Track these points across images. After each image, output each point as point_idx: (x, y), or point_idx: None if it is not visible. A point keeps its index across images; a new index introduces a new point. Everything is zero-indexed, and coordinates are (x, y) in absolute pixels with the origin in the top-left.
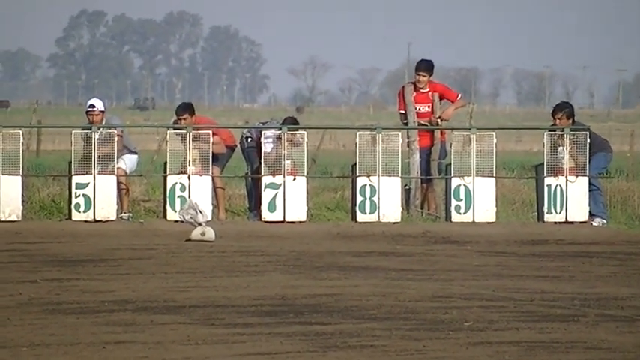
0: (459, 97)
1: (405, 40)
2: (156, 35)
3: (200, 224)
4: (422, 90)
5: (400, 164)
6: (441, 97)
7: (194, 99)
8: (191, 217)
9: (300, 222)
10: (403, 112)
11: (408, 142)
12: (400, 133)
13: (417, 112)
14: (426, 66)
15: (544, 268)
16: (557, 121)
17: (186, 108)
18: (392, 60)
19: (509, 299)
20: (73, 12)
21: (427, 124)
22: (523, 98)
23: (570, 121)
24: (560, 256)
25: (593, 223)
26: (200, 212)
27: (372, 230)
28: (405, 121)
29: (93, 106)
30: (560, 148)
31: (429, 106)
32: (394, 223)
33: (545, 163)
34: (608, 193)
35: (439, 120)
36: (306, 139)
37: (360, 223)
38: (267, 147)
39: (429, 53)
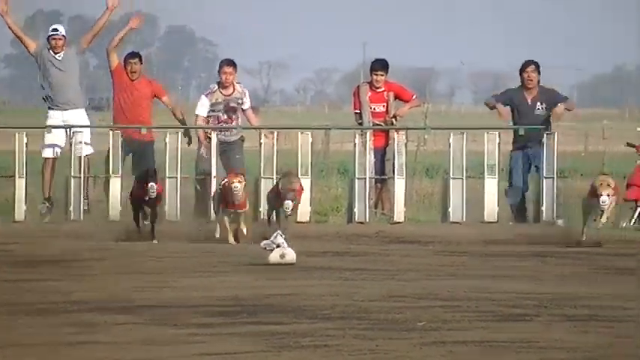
0: (414, 97)
1: (360, 40)
2: (112, 35)
3: (278, 245)
4: (377, 90)
5: (356, 164)
6: (396, 97)
7: None
8: (270, 241)
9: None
10: (358, 111)
11: (362, 141)
12: (355, 133)
13: (372, 112)
14: (382, 65)
15: (499, 267)
16: (527, 75)
17: (136, 54)
18: (347, 60)
19: (464, 299)
20: (28, 12)
21: (382, 124)
22: (479, 98)
23: (540, 76)
24: (515, 256)
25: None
26: (280, 235)
27: (326, 230)
28: (360, 121)
29: (56, 30)
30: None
31: (384, 106)
32: (348, 222)
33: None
34: (564, 192)
35: (394, 119)
36: (263, 140)
37: (316, 223)
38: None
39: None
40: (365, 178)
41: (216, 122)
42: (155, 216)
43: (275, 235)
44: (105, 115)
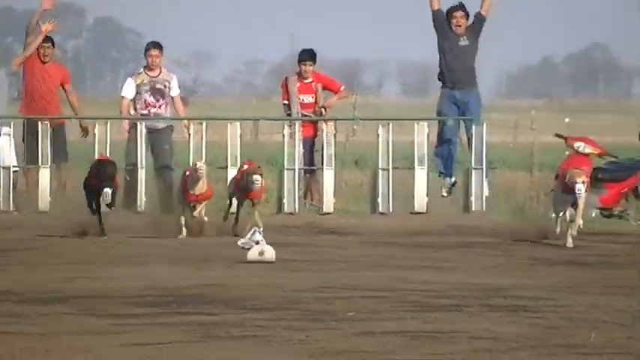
0: (342, 89)
1: (287, 32)
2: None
3: (257, 242)
4: (305, 81)
5: (285, 155)
6: (325, 88)
7: (77, 89)
8: (248, 239)
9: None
10: (287, 102)
11: (291, 132)
12: (284, 124)
13: (300, 103)
14: (309, 55)
15: (428, 258)
16: (456, 20)
17: (49, 39)
18: (275, 52)
19: (394, 290)
20: None
21: (311, 114)
22: (407, 90)
23: (469, 22)
24: (444, 247)
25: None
26: (258, 232)
27: (263, 221)
28: (289, 112)
29: None
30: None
31: (312, 97)
32: (277, 213)
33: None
34: (493, 184)
35: (322, 110)
36: (191, 132)
37: (250, 214)
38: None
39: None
40: (294, 169)
41: (143, 104)
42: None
43: (252, 232)
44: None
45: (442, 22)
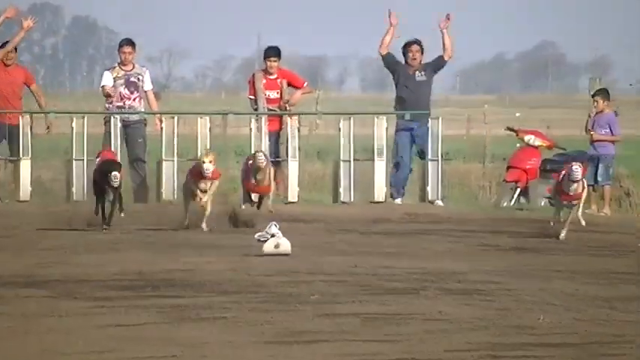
0: (305, 84)
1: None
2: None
3: (273, 235)
4: (271, 77)
5: (252, 147)
6: (289, 84)
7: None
8: (264, 232)
9: (170, 202)
10: (253, 97)
11: (258, 126)
12: (251, 118)
13: (266, 98)
14: (275, 52)
15: (386, 245)
16: (412, 54)
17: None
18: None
19: (354, 274)
20: None
21: (276, 109)
22: (367, 85)
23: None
24: (401, 234)
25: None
26: (274, 225)
27: (226, 210)
28: (256, 107)
29: None
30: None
31: (277, 92)
32: (244, 202)
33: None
34: (447, 175)
35: (287, 105)
36: (163, 125)
37: (219, 204)
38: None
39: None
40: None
41: (118, 97)
42: (119, 200)
43: (269, 225)
44: None
45: (393, 62)
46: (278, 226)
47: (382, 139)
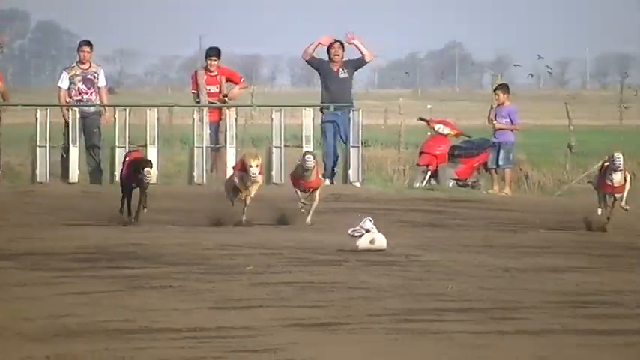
0: (242, 80)
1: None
2: None
3: (368, 230)
4: (211, 74)
5: (194, 136)
6: (228, 80)
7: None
8: (359, 227)
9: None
10: (196, 92)
11: (200, 117)
12: (194, 110)
13: (207, 92)
14: (215, 52)
15: (315, 222)
16: (334, 50)
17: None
18: (187, 49)
19: (285, 247)
20: None
21: (216, 102)
22: (297, 80)
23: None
24: (327, 212)
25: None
26: (369, 220)
27: (171, 191)
28: (198, 100)
29: None
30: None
31: (217, 87)
32: (189, 184)
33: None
34: (366, 160)
35: (226, 98)
36: (116, 116)
37: (162, 185)
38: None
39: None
40: (202, 148)
41: (77, 92)
42: (144, 198)
43: (364, 220)
44: None
45: (317, 62)
46: (372, 221)
47: (309, 128)
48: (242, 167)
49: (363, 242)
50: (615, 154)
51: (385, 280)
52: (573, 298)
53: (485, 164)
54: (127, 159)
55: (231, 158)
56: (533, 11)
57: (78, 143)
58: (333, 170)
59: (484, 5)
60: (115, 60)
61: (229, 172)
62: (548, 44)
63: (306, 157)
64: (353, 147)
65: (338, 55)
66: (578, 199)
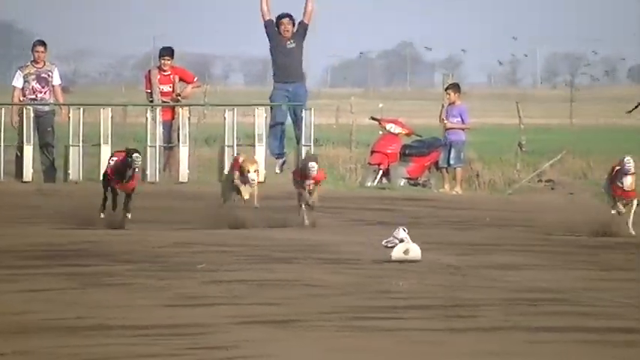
0: (195, 79)
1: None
2: None
3: (402, 240)
4: (165, 73)
5: (148, 135)
6: (181, 79)
7: None
8: (392, 237)
9: (77, 183)
10: (149, 91)
11: (153, 116)
12: (147, 109)
13: (161, 92)
14: (168, 51)
15: (269, 219)
16: (283, 27)
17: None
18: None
19: (241, 245)
20: None
21: (169, 101)
22: (251, 80)
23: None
24: (282, 211)
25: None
26: (402, 229)
27: None
28: (151, 99)
29: None
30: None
31: (170, 86)
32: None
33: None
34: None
35: (179, 97)
36: (70, 115)
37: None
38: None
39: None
40: (155, 146)
41: (31, 91)
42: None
43: (397, 230)
44: None
45: (272, 29)
46: (407, 230)
47: (262, 127)
48: (237, 168)
49: (396, 253)
50: (626, 158)
51: (340, 278)
52: (525, 296)
53: (436, 163)
54: (113, 159)
55: (184, 157)
56: (485, 11)
57: (32, 142)
58: (282, 149)
59: (436, 4)
60: (69, 59)
61: (182, 170)
62: (500, 43)
63: (310, 164)
64: (305, 146)
65: (288, 31)
66: (528, 197)
